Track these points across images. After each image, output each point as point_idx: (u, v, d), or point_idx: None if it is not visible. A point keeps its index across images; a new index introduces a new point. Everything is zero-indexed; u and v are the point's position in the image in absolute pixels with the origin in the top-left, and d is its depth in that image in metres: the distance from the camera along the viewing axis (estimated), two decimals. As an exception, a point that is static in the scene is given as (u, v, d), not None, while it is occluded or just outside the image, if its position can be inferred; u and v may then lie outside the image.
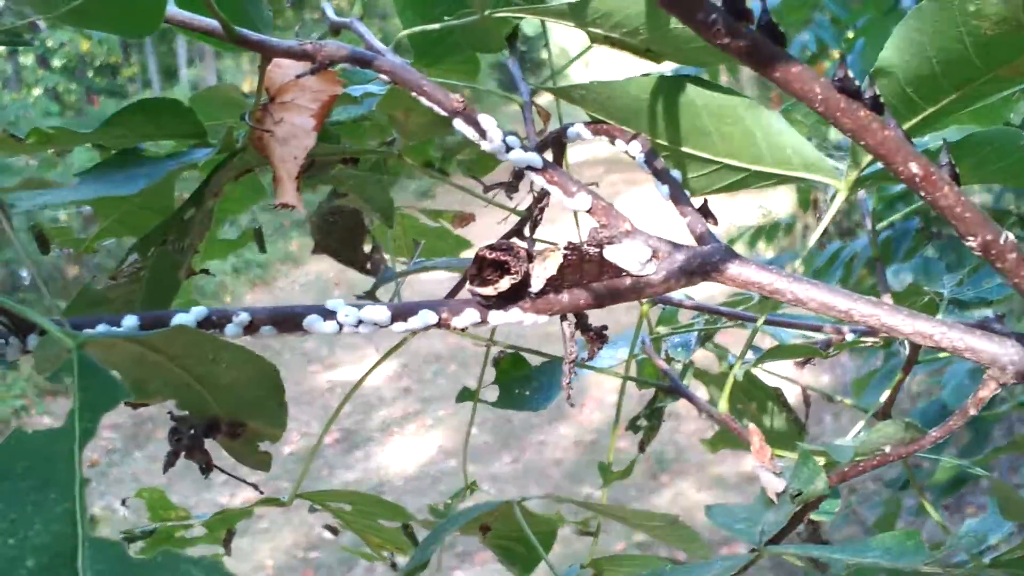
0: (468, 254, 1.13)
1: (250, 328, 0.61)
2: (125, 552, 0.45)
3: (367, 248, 1.10)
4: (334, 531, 1.19)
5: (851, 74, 0.51)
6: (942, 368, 2.80)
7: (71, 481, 0.46)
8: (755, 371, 1.06)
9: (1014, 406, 2.22)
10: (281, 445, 4.95)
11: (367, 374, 1.05)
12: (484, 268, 0.63)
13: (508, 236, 0.83)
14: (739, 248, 2.78)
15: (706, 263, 0.62)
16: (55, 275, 6.48)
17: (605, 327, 0.87)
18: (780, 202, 8.10)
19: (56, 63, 8.56)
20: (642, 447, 1.16)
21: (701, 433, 4.89)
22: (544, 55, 0.98)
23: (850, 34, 2.95)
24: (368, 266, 1.10)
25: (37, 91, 8.46)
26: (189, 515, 1.12)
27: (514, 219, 0.85)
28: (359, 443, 5.20)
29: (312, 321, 0.62)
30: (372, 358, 1.08)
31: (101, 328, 0.57)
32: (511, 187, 0.85)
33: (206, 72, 11.00)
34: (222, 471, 0.63)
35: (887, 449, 0.68)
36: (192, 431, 0.61)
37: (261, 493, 0.68)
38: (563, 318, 0.65)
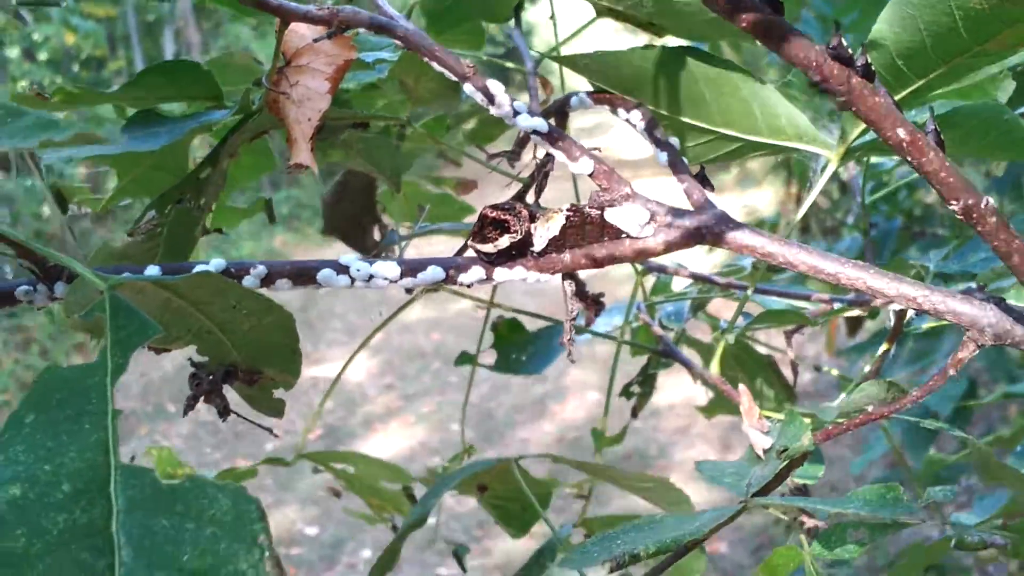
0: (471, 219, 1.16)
1: (267, 280, 0.64)
2: (156, 478, 0.47)
3: (376, 236, 1.12)
4: (337, 494, 1.22)
5: (845, 43, 0.54)
6: (923, 369, 2.84)
7: (104, 412, 0.48)
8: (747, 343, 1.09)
9: (996, 398, 2.26)
10: (263, 442, 4.95)
11: (350, 360, 1.08)
12: (486, 226, 0.65)
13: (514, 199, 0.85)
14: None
15: (703, 227, 0.65)
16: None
17: (602, 294, 0.90)
18: (763, 200, 8.12)
19: (42, 57, 8.50)
20: (635, 413, 1.19)
21: (683, 431, 4.91)
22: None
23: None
24: (375, 251, 1.12)
25: (23, 84, 8.42)
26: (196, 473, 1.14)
27: (517, 187, 0.87)
28: (342, 438, 5.19)
29: (326, 275, 0.65)
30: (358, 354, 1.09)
31: (127, 275, 0.60)
32: (514, 155, 0.87)
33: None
34: (239, 416, 0.65)
35: (870, 408, 0.71)
36: (211, 377, 0.63)
37: (277, 436, 0.71)
38: (564, 277, 0.68)
